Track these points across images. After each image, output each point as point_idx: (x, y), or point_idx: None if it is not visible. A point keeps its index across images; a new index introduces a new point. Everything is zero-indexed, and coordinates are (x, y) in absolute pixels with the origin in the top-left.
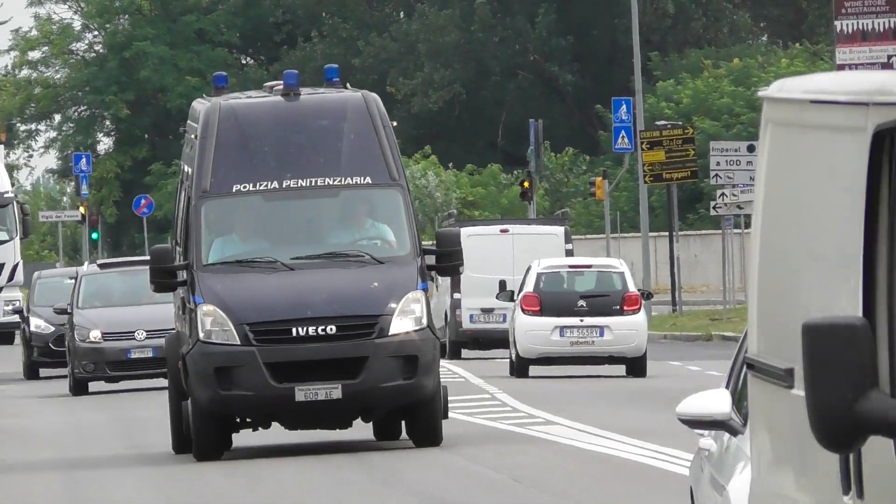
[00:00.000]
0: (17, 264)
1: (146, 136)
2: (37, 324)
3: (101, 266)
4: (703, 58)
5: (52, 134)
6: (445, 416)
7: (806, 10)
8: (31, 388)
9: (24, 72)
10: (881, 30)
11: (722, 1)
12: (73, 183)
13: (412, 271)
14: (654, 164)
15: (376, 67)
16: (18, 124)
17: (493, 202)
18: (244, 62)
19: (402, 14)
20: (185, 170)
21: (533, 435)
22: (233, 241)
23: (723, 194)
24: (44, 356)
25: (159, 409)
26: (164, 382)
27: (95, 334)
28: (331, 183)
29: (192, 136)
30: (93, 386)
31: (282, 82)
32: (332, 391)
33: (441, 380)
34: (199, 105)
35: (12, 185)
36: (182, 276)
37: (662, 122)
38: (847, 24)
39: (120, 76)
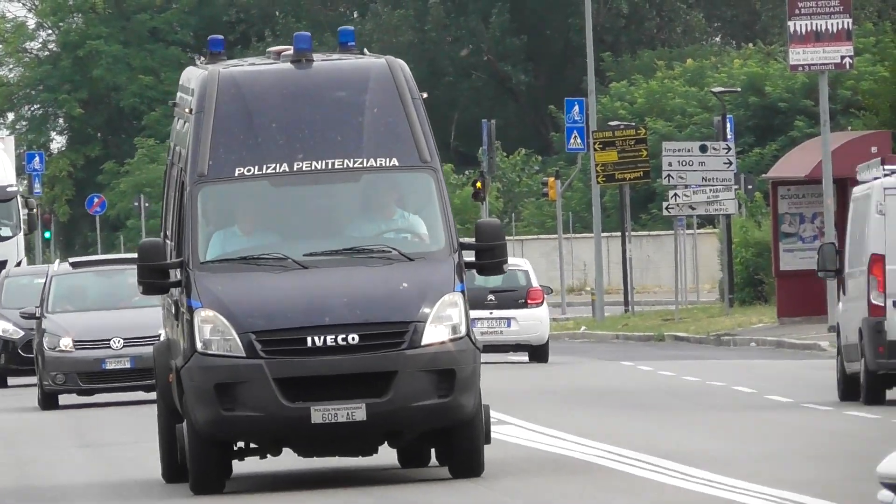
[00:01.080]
0: (20, 262)
1: (99, 134)
2: (4, 327)
3: (74, 265)
4: (656, 58)
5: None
6: (487, 441)
7: (759, 10)
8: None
9: None
10: (834, 30)
11: (676, 1)
12: (25, 181)
13: (448, 270)
14: (607, 165)
15: None
16: None
17: None
18: (197, 60)
19: (355, 14)
20: (177, 150)
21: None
22: (235, 235)
23: (675, 195)
24: (12, 363)
25: (142, 429)
26: (143, 396)
27: (66, 342)
28: (350, 165)
29: (186, 111)
30: (63, 399)
31: (290, 47)
32: (354, 412)
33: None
34: (193, 73)
35: None
36: (175, 275)
37: (615, 123)
38: (800, 25)
39: (73, 75)
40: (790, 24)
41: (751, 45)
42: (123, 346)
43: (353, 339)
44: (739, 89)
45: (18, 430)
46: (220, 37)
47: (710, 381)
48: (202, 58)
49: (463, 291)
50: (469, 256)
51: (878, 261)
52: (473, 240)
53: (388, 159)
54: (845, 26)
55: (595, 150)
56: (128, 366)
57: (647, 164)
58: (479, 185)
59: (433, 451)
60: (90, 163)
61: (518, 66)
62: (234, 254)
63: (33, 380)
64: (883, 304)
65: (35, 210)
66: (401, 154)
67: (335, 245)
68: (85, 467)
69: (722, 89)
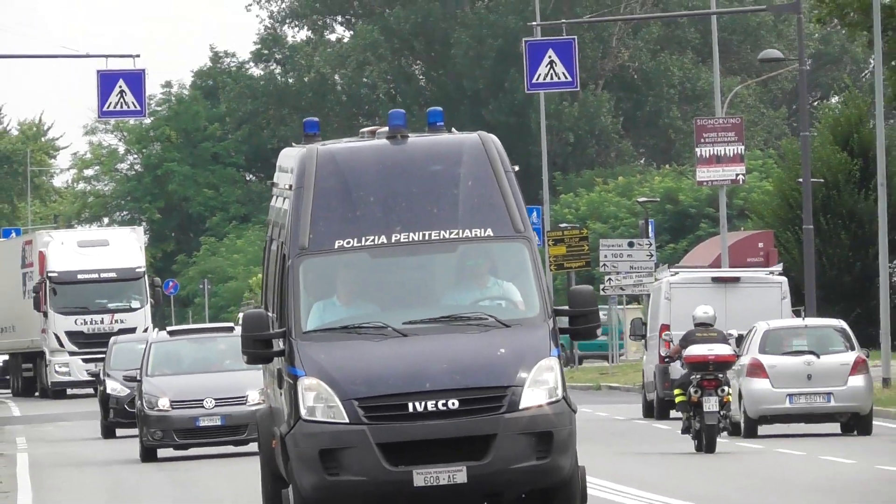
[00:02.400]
0: (147, 328)
1: (173, 234)
2: (112, 386)
3: (171, 333)
4: (595, 176)
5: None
6: (584, 501)
7: (674, 139)
8: (107, 448)
9: (81, 185)
10: (731, 155)
11: (610, 133)
12: None
13: (543, 335)
14: (558, 256)
15: None
16: (76, 225)
17: None
18: (248, 178)
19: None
20: (276, 226)
21: None
22: (335, 305)
23: (609, 279)
24: (119, 417)
25: (230, 484)
26: (232, 449)
27: (164, 402)
28: (447, 236)
29: (285, 187)
30: (161, 452)
31: (381, 127)
32: (455, 475)
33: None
34: (291, 152)
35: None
36: (278, 344)
37: (564, 225)
38: (705, 150)
39: (153, 189)
40: (697, 150)
41: (667, 165)
42: (215, 406)
43: (452, 403)
44: (658, 199)
45: (126, 484)
46: (315, 119)
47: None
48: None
49: (559, 356)
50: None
51: (665, 328)
52: (567, 307)
53: (482, 230)
54: (739, 151)
55: (549, 245)
56: (219, 423)
57: (588, 256)
58: None
59: None
60: (166, 256)
61: None
62: (335, 323)
63: (136, 431)
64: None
65: (159, 287)
66: (495, 224)
67: (432, 313)
68: None
69: (645, 199)
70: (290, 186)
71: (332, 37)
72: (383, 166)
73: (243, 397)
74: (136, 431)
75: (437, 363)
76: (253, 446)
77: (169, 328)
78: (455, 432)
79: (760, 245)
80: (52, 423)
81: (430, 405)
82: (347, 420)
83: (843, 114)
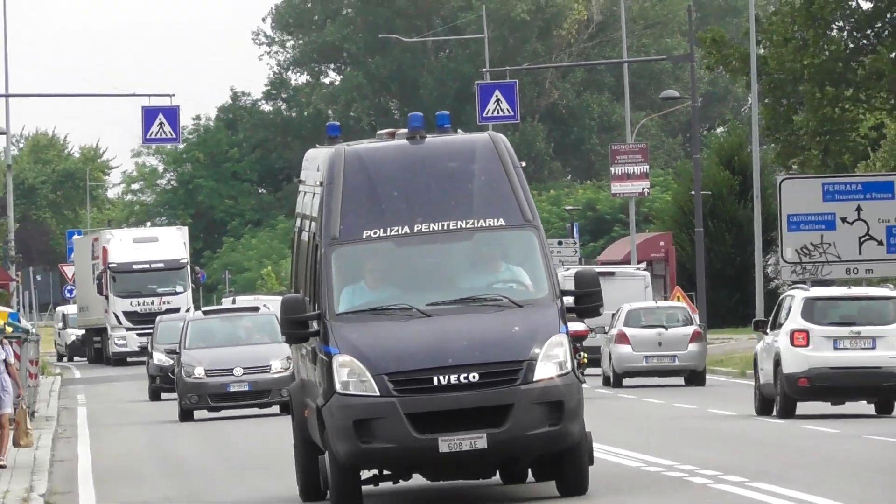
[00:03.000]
0: (188, 308)
1: (201, 235)
2: (158, 357)
3: (205, 313)
4: (532, 190)
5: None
6: (591, 463)
7: (594, 161)
8: (153, 407)
9: (128, 196)
10: (638, 173)
11: (544, 156)
12: None
13: (553, 314)
14: None
15: None
16: (124, 227)
17: None
18: (260, 191)
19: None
20: (305, 219)
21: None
22: (363, 289)
23: None
24: (164, 383)
25: (262, 444)
26: (257, 412)
27: (200, 371)
28: (463, 226)
29: (315, 184)
30: (197, 414)
31: (396, 129)
32: (476, 441)
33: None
34: (318, 152)
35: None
36: (314, 326)
37: None
38: (618, 169)
39: (185, 199)
40: (612, 168)
41: (588, 181)
42: (243, 374)
43: (473, 377)
44: (581, 207)
45: (171, 440)
46: (337, 123)
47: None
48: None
49: (567, 333)
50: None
51: None
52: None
53: (495, 219)
54: (644, 170)
55: None
56: (246, 389)
57: None
58: None
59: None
60: (195, 252)
61: None
62: (365, 305)
63: (176, 395)
64: None
65: (198, 275)
66: (506, 214)
67: (452, 295)
68: (232, 477)
69: (571, 208)
70: (321, 183)
71: (326, 80)
72: (405, 163)
73: (267, 366)
74: (176, 395)
75: (458, 340)
76: (275, 408)
77: (203, 308)
78: (476, 403)
79: (661, 244)
80: (106, 383)
81: (454, 378)
82: (378, 393)
83: (727, 141)
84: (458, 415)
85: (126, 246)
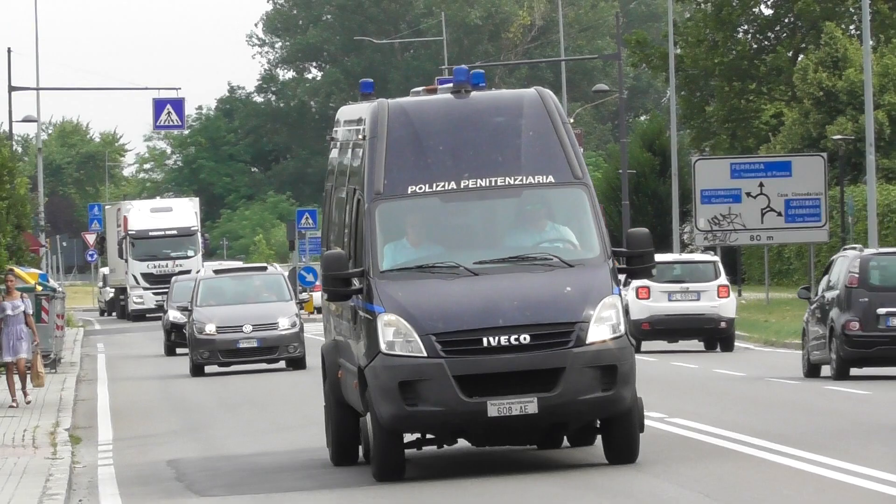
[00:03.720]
0: (199, 270)
1: (203, 207)
2: (174, 315)
3: (216, 272)
4: None
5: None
6: (642, 430)
7: None
8: (167, 361)
9: (141, 175)
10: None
11: None
12: None
13: (605, 274)
14: None
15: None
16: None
17: None
18: (253, 170)
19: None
20: (340, 176)
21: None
22: (405, 246)
23: None
24: (179, 339)
25: (262, 389)
26: (265, 367)
27: (211, 328)
28: (511, 182)
29: (355, 139)
30: (208, 369)
31: (432, 87)
32: (527, 405)
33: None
34: (356, 108)
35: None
36: (356, 283)
37: None
38: None
39: (189, 177)
40: None
41: None
42: (252, 331)
43: (524, 338)
44: None
45: (188, 396)
46: (370, 80)
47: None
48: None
49: (619, 294)
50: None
51: None
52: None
53: (544, 176)
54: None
55: None
56: (255, 345)
57: None
58: None
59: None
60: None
61: None
62: (410, 263)
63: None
64: None
65: (208, 240)
66: (556, 171)
67: (500, 254)
68: (255, 435)
69: None
70: (363, 137)
71: (309, 76)
72: (450, 118)
73: (275, 323)
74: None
75: (508, 300)
76: (281, 363)
77: (214, 267)
78: (527, 365)
79: None
80: (121, 334)
81: (504, 340)
82: (425, 354)
83: (649, 127)
84: (507, 378)
85: (144, 215)
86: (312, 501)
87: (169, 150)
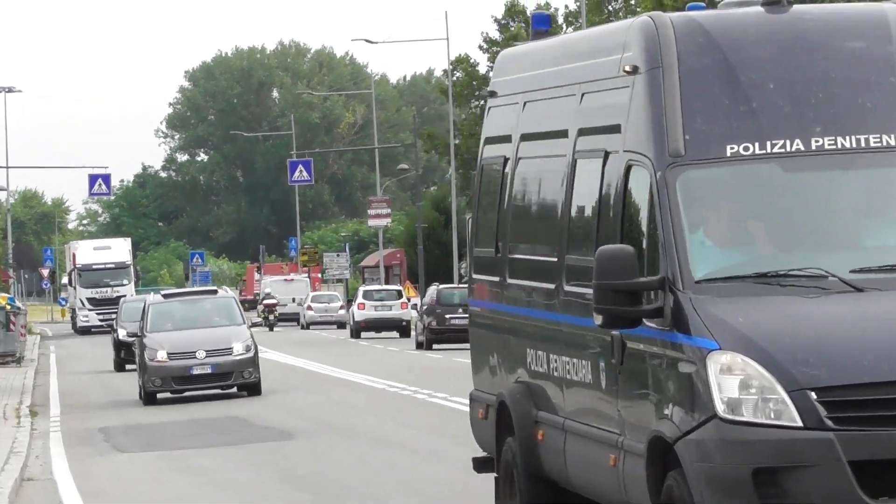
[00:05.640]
0: (132, 294)
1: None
2: (122, 333)
3: (165, 296)
4: (310, 228)
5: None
6: None
7: (358, 206)
8: (102, 362)
9: (80, 228)
10: (384, 213)
11: (327, 204)
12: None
13: None
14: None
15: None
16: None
17: None
18: (159, 224)
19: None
20: (513, 141)
21: None
22: (739, 241)
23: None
24: (128, 356)
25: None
26: (219, 392)
27: (162, 354)
28: (893, 143)
29: (623, 70)
30: (160, 396)
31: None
32: None
33: None
34: (522, 49)
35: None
36: (649, 298)
37: (309, 246)
38: (373, 211)
39: (115, 229)
40: (369, 210)
41: (356, 218)
42: (206, 357)
43: None
44: (351, 234)
45: (117, 384)
46: (547, 14)
47: None
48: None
49: None
50: None
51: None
52: None
53: None
54: (388, 212)
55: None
56: (209, 371)
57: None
58: None
59: None
60: None
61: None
62: (744, 268)
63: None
64: None
65: (139, 272)
66: None
67: (892, 257)
68: (174, 406)
69: (345, 234)
70: (631, 69)
71: (199, 159)
72: (776, 40)
73: (230, 348)
74: (139, 378)
75: None
76: (234, 388)
77: (163, 292)
78: None
79: (398, 255)
80: (70, 340)
81: None
82: (800, 422)
83: (437, 194)
84: None
85: (88, 252)
86: (215, 456)
87: (100, 210)
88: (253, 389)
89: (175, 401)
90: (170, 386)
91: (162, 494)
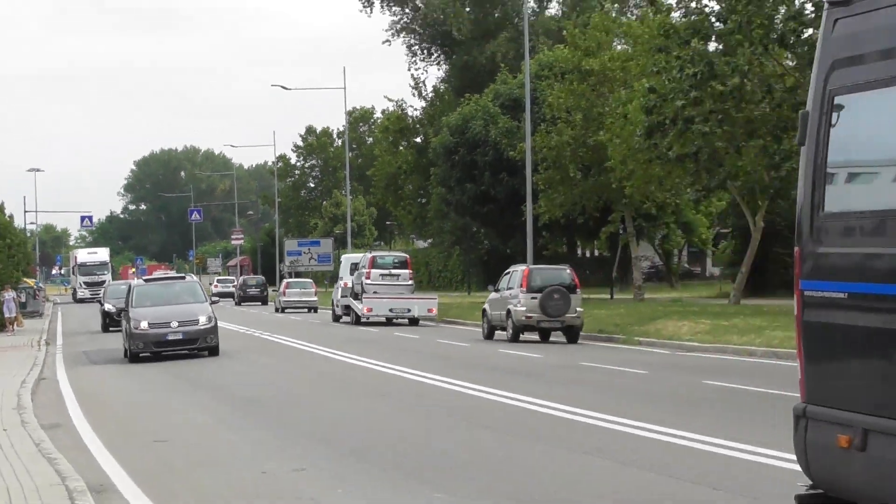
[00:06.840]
0: (109, 280)
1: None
2: (108, 306)
3: (146, 280)
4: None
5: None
6: None
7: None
8: (91, 315)
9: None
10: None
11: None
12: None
13: None
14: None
15: None
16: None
17: None
18: (126, 251)
19: None
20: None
21: None
22: None
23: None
24: (111, 323)
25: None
26: (186, 353)
27: (144, 324)
28: None
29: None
30: (142, 356)
31: None
32: None
33: None
34: None
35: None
36: None
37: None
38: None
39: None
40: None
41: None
42: (178, 326)
43: None
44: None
45: (100, 329)
46: None
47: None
48: None
49: None
50: None
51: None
52: None
53: None
54: (241, 236)
55: None
56: (180, 337)
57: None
58: None
59: None
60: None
61: None
62: None
63: (122, 326)
64: None
65: (113, 267)
66: None
67: None
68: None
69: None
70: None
71: (154, 217)
72: None
73: (196, 320)
74: (121, 326)
75: None
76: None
77: (144, 277)
78: None
79: None
80: (69, 306)
81: None
82: None
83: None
84: None
85: (84, 255)
86: (168, 368)
87: (87, 235)
88: (213, 351)
89: (153, 359)
90: (150, 349)
91: (123, 385)
